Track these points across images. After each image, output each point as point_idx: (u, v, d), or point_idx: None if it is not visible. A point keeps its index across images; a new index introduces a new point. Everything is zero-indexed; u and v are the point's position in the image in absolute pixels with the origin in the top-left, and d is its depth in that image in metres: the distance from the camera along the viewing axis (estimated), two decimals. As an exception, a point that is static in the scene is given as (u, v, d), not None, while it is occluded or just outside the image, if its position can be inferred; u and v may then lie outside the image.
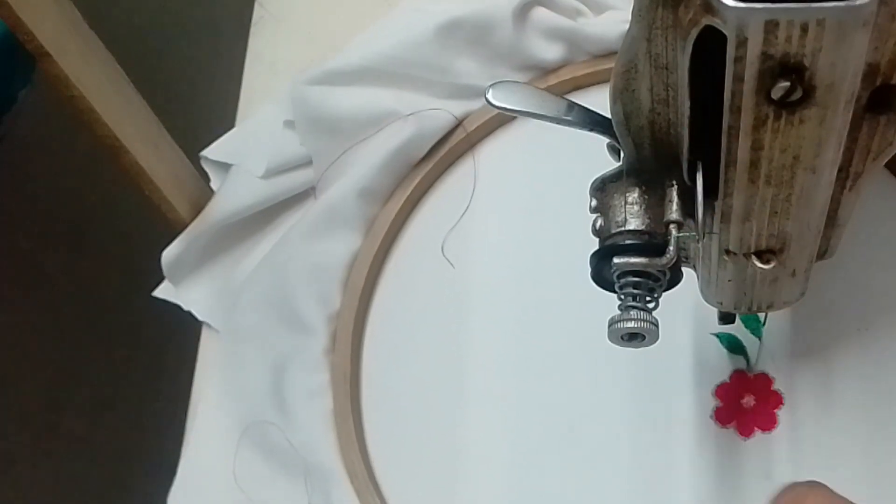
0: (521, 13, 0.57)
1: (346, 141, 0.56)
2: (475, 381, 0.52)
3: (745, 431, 0.49)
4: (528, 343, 0.52)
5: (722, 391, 0.50)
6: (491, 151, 0.57)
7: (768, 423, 0.49)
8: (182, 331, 0.57)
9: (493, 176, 0.57)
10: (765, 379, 0.50)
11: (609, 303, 0.39)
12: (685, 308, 0.50)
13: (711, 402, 0.50)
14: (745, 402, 0.49)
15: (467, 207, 0.55)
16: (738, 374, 0.50)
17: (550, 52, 0.57)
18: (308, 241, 0.53)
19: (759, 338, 0.50)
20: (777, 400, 0.49)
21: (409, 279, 0.54)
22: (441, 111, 0.55)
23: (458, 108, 0.57)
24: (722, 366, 0.50)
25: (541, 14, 0.58)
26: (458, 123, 0.56)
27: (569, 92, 0.58)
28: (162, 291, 0.58)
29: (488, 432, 0.51)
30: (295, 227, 0.54)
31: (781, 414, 0.49)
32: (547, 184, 0.56)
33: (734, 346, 0.50)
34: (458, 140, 0.55)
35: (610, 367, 0.51)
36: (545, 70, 0.58)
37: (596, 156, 0.40)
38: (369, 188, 0.54)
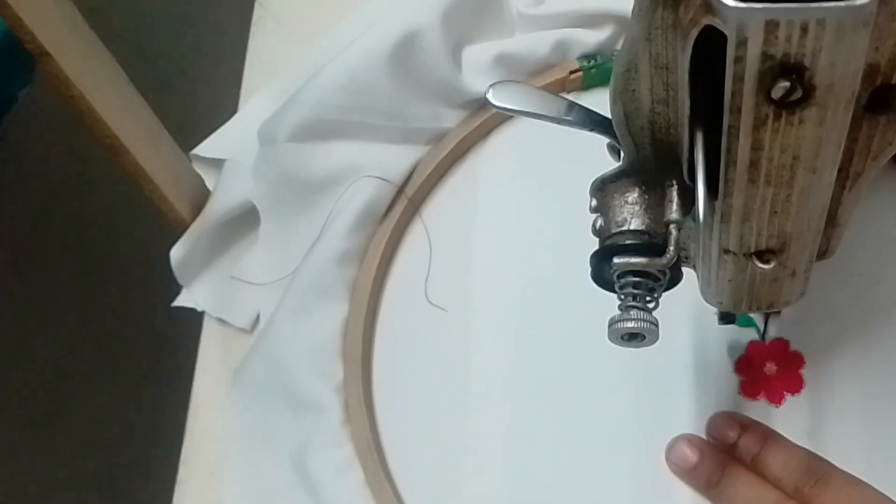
0: (454, 53, 0.57)
1: (313, 201, 0.55)
2: (488, 408, 0.51)
3: (776, 399, 0.49)
4: (532, 354, 0.52)
5: (742, 365, 0.50)
6: (437, 205, 0.57)
7: (795, 386, 0.49)
8: (183, 329, 0.57)
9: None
10: (781, 343, 0.50)
11: (609, 302, 0.39)
12: (685, 308, 0.50)
13: (735, 380, 0.49)
14: (767, 370, 0.49)
15: (430, 256, 0.55)
16: (753, 345, 0.50)
17: (485, 83, 0.57)
18: (297, 319, 0.52)
19: None
20: (798, 360, 0.49)
21: (401, 331, 0.54)
22: (381, 181, 0.55)
23: (412, 153, 0.57)
24: (734, 345, 0.50)
25: (470, 50, 0.58)
26: (400, 190, 0.56)
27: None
28: (181, 300, 0.57)
29: (510, 466, 0.50)
30: (280, 309, 0.53)
31: (806, 373, 0.49)
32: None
33: (742, 319, 0.50)
34: (403, 207, 0.56)
35: (619, 368, 0.50)
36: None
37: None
38: (347, 251, 0.54)
